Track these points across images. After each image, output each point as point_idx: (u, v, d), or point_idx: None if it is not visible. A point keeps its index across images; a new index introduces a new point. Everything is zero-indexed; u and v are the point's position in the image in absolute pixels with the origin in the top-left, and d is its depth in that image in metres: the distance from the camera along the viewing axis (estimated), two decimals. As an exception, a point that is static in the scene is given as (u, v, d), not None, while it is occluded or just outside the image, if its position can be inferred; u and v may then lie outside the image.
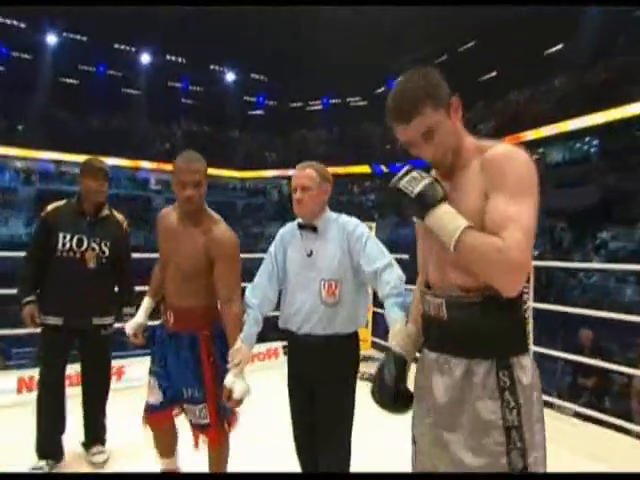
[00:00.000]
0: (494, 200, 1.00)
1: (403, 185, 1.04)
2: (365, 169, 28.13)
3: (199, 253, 1.75)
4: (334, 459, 1.69)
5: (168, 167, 25.22)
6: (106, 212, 2.43)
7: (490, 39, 22.39)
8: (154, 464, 1.98)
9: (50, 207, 2.36)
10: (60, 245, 2.26)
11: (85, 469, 2.32)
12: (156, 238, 1.90)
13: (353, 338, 1.73)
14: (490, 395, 1.01)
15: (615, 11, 18.55)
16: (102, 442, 2.44)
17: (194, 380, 1.75)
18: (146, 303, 2.00)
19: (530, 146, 21.73)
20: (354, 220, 1.76)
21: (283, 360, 2.59)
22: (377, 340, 4.71)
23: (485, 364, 1.03)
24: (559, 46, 21.86)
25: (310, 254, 1.71)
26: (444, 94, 1.07)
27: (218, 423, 1.78)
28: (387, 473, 1.85)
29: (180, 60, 27.88)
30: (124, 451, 2.49)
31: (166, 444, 1.93)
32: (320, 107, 32.72)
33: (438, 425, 1.09)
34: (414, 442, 1.20)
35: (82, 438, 2.44)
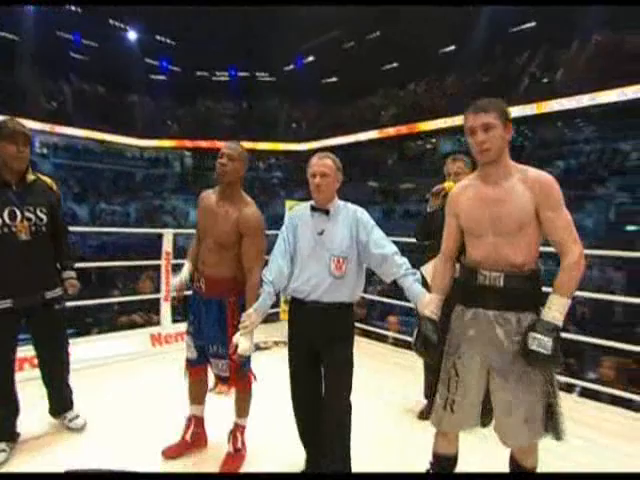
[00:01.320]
0: (549, 213, 1.55)
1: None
2: (272, 146, 28.23)
3: (232, 228, 2.04)
4: (340, 406, 1.94)
5: (56, 129, 22.95)
6: (32, 177, 2.22)
7: (394, 31, 23.64)
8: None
9: None
10: None
11: (65, 437, 2.34)
12: None
13: (351, 307, 2.01)
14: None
15: (496, 24, 20.92)
16: (72, 407, 2.43)
17: (220, 338, 2.06)
18: (187, 267, 2.21)
19: (425, 136, 23.78)
20: (360, 208, 2.03)
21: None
22: None
23: (530, 314, 1.57)
24: (452, 47, 23.87)
25: (321, 233, 1.94)
26: (507, 117, 1.61)
27: (236, 377, 2.11)
28: (387, 473, 1.91)
29: (74, 9, 24.86)
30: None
31: (199, 393, 2.27)
32: (227, 79, 31.81)
33: (491, 360, 1.60)
34: (457, 374, 1.65)
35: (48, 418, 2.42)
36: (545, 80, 19.51)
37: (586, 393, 3.24)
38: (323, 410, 1.96)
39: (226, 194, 2.10)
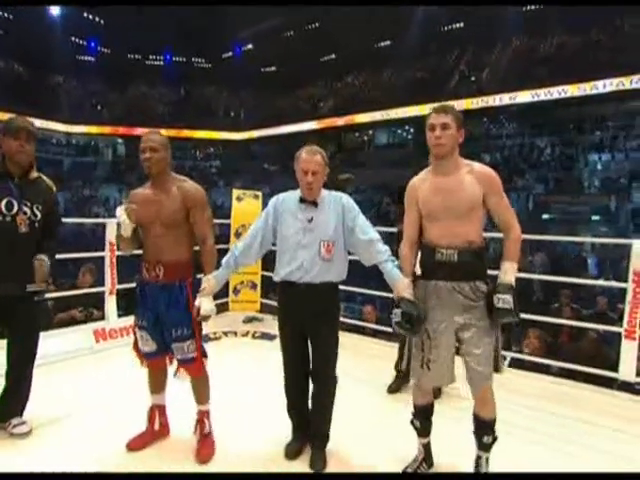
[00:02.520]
0: (495, 199, 1.90)
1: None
2: (210, 134, 27.66)
3: (179, 206, 2.13)
4: (327, 375, 2.14)
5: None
6: (35, 174, 2.32)
7: (332, 23, 23.97)
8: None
9: None
10: None
11: (5, 443, 2.24)
12: None
13: (338, 286, 2.17)
14: (480, 295, 1.89)
15: (429, 22, 21.93)
16: (21, 413, 2.35)
17: (183, 319, 2.12)
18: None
19: (362, 128, 24.45)
20: (345, 195, 2.19)
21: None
22: (266, 301, 4.94)
23: (479, 282, 1.89)
24: (387, 42, 24.65)
25: (310, 220, 2.09)
26: (461, 123, 1.93)
27: (201, 356, 2.19)
28: (387, 473, 1.92)
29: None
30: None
31: (159, 383, 2.32)
32: (161, 63, 30.54)
33: (455, 321, 1.90)
34: (428, 338, 1.92)
35: None
36: (472, 78, 20.80)
37: (514, 364, 3.71)
38: (312, 380, 2.16)
39: (159, 183, 2.18)
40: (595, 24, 17.61)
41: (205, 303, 2.08)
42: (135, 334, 2.27)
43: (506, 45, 20.41)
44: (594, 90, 16.32)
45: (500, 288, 1.83)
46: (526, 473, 1.86)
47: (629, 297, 2.93)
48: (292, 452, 2.19)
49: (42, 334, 2.40)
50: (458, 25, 22.60)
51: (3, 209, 2.16)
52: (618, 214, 13.72)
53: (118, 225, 2.12)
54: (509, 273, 1.86)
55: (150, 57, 30.22)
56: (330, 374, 2.16)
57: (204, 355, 2.24)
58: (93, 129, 26.72)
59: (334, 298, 2.17)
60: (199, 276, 2.21)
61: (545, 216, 14.58)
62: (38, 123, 21.75)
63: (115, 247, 3.83)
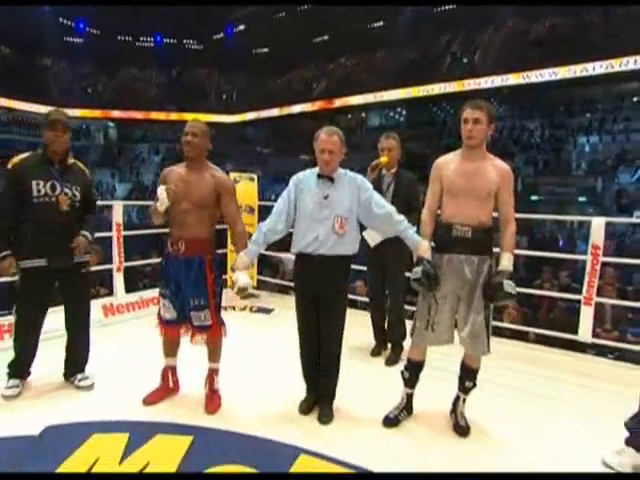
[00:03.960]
0: (505, 193, 2.18)
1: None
2: (202, 117, 27.49)
3: (209, 190, 2.38)
4: (335, 336, 2.36)
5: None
6: (71, 160, 2.61)
7: (325, 4, 23.71)
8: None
9: (16, 159, 2.49)
10: (35, 192, 2.42)
11: (74, 394, 2.59)
12: None
13: (350, 259, 2.37)
14: (487, 269, 2.17)
15: (419, 4, 21.73)
16: (83, 370, 2.71)
17: (201, 291, 2.37)
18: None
19: (355, 110, 24.45)
20: (359, 175, 2.37)
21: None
22: (262, 278, 5.25)
23: (486, 257, 2.18)
24: (380, 23, 24.50)
25: (326, 197, 2.27)
26: (492, 118, 2.18)
27: (217, 323, 2.45)
28: (387, 473, 1.98)
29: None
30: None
31: (173, 348, 2.59)
32: (152, 45, 30.10)
33: (460, 291, 2.19)
34: (436, 303, 2.20)
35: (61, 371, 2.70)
36: (465, 60, 20.85)
37: (495, 333, 4.06)
38: (321, 344, 2.37)
39: (194, 166, 2.41)
40: (586, 7, 17.68)
41: (241, 277, 2.29)
42: (159, 302, 2.53)
43: (499, 27, 20.41)
44: (584, 72, 16.47)
45: (506, 275, 2.12)
46: (526, 473, 1.98)
47: (588, 268, 3.22)
48: (305, 408, 2.46)
49: (53, 309, 2.66)
50: (451, 7, 22.49)
51: (48, 191, 2.46)
52: (603, 195, 14.07)
53: (156, 200, 2.36)
54: (509, 262, 2.16)
55: (140, 39, 29.72)
56: (337, 340, 2.37)
57: (222, 323, 2.52)
58: (84, 112, 26.40)
59: (345, 270, 2.37)
60: (220, 252, 2.44)
61: (534, 197, 14.90)
62: (27, 107, 21.44)
63: (121, 227, 4.14)
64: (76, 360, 2.70)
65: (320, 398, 2.45)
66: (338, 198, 2.29)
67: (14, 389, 2.52)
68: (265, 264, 6.17)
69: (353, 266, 2.45)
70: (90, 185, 2.73)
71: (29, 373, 2.64)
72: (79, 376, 2.68)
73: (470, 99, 2.24)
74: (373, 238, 3.00)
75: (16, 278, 2.51)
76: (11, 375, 2.57)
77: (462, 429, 2.28)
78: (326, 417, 2.36)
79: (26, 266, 2.46)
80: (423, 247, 2.23)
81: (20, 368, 2.59)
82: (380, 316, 3.35)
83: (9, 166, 2.47)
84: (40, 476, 1.88)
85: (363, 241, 2.81)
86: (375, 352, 3.35)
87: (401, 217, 2.31)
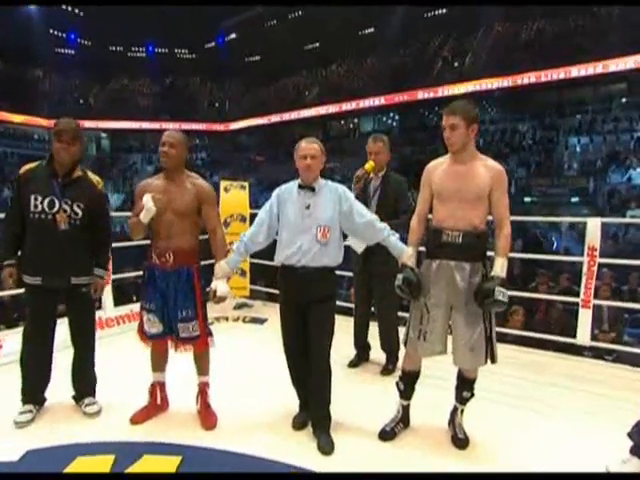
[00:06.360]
0: (498, 194, 2.07)
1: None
2: (195, 126, 27.45)
3: (190, 198, 2.33)
4: (323, 357, 2.26)
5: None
6: (79, 173, 2.43)
7: (315, 11, 23.86)
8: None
9: (24, 169, 2.38)
10: (32, 207, 2.30)
11: (79, 420, 2.45)
12: None
13: (334, 271, 2.30)
14: (479, 276, 2.07)
15: (412, 8, 21.87)
16: (93, 394, 2.56)
17: (190, 302, 2.33)
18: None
19: (347, 116, 24.54)
20: (340, 185, 2.35)
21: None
22: (255, 287, 5.08)
23: (478, 264, 2.08)
24: (371, 29, 24.65)
25: (308, 207, 2.24)
26: (472, 119, 2.06)
27: (205, 334, 2.40)
28: (387, 473, 1.95)
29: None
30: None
31: (162, 362, 2.51)
32: (144, 55, 30.13)
33: (452, 299, 2.10)
34: (427, 311, 2.11)
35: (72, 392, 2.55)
36: (455, 64, 20.99)
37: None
38: (309, 360, 2.27)
39: (173, 177, 2.35)
40: (573, 10, 17.87)
41: (220, 285, 2.28)
42: (142, 317, 2.43)
43: (489, 30, 20.58)
44: (573, 74, 16.62)
45: (498, 281, 2.02)
46: (526, 473, 1.96)
47: (585, 270, 3.17)
48: (298, 424, 2.37)
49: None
50: (441, 11, 22.68)
51: (46, 208, 2.31)
52: (596, 195, 14.12)
53: (135, 214, 2.27)
54: (503, 268, 2.07)
55: (132, 49, 29.80)
56: (325, 356, 2.26)
57: (209, 334, 2.45)
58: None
59: (330, 282, 2.31)
60: (204, 263, 2.38)
61: (527, 199, 14.93)
62: (19, 119, 21.29)
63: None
64: (81, 380, 2.56)
65: (315, 426, 2.29)
66: (320, 208, 2.25)
67: (27, 415, 2.36)
68: (259, 274, 6.10)
69: (347, 274, 2.38)
70: (98, 199, 2.50)
71: (44, 399, 2.48)
72: (86, 400, 2.53)
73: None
74: (358, 244, 2.94)
75: (22, 290, 2.45)
76: (25, 400, 2.41)
77: (461, 442, 2.20)
78: (327, 446, 2.19)
79: (26, 281, 2.38)
80: (407, 254, 2.20)
81: (31, 391, 2.42)
82: (362, 325, 3.24)
83: (19, 174, 2.38)
84: (40, 476, 1.86)
85: (351, 249, 2.73)
86: (353, 363, 3.22)
87: (383, 225, 2.29)
